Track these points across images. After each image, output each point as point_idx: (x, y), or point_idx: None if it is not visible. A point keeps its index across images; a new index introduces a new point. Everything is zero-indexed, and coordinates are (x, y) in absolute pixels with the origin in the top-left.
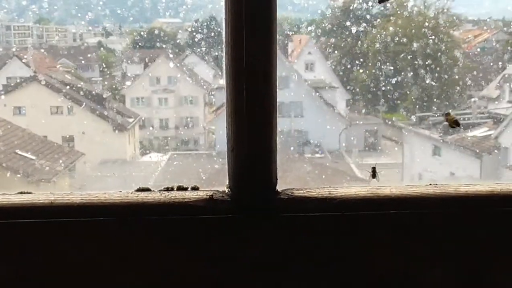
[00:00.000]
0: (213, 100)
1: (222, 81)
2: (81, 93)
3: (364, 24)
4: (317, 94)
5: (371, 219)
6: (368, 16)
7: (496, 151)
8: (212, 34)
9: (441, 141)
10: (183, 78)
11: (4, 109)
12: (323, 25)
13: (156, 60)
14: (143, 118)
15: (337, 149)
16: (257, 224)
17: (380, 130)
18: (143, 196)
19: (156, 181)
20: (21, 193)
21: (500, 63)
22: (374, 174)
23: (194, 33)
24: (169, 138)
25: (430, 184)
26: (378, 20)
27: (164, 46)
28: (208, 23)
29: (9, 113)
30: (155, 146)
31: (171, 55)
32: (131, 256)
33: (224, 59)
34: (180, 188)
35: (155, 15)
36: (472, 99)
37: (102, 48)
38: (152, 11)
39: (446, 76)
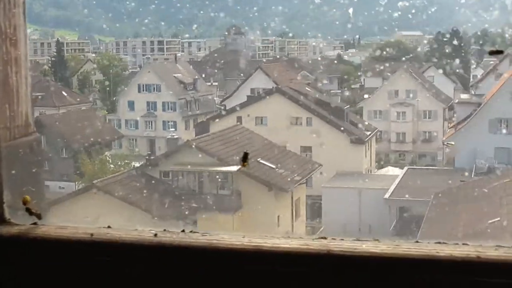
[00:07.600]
0: (453, 115)
1: (464, 96)
2: (320, 105)
3: None
4: None
5: None
6: None
7: None
8: (455, 47)
9: None
10: (422, 92)
11: (248, 119)
12: None
13: (395, 73)
14: (380, 131)
15: None
16: None
17: None
18: None
19: (392, 196)
20: None
21: None
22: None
23: (436, 46)
24: (406, 152)
25: None
26: None
27: (403, 59)
28: (451, 36)
29: (251, 122)
30: (391, 160)
31: (410, 69)
32: None
33: None
34: None
35: (395, 28)
36: None
37: (340, 61)
38: (392, 24)
39: None
